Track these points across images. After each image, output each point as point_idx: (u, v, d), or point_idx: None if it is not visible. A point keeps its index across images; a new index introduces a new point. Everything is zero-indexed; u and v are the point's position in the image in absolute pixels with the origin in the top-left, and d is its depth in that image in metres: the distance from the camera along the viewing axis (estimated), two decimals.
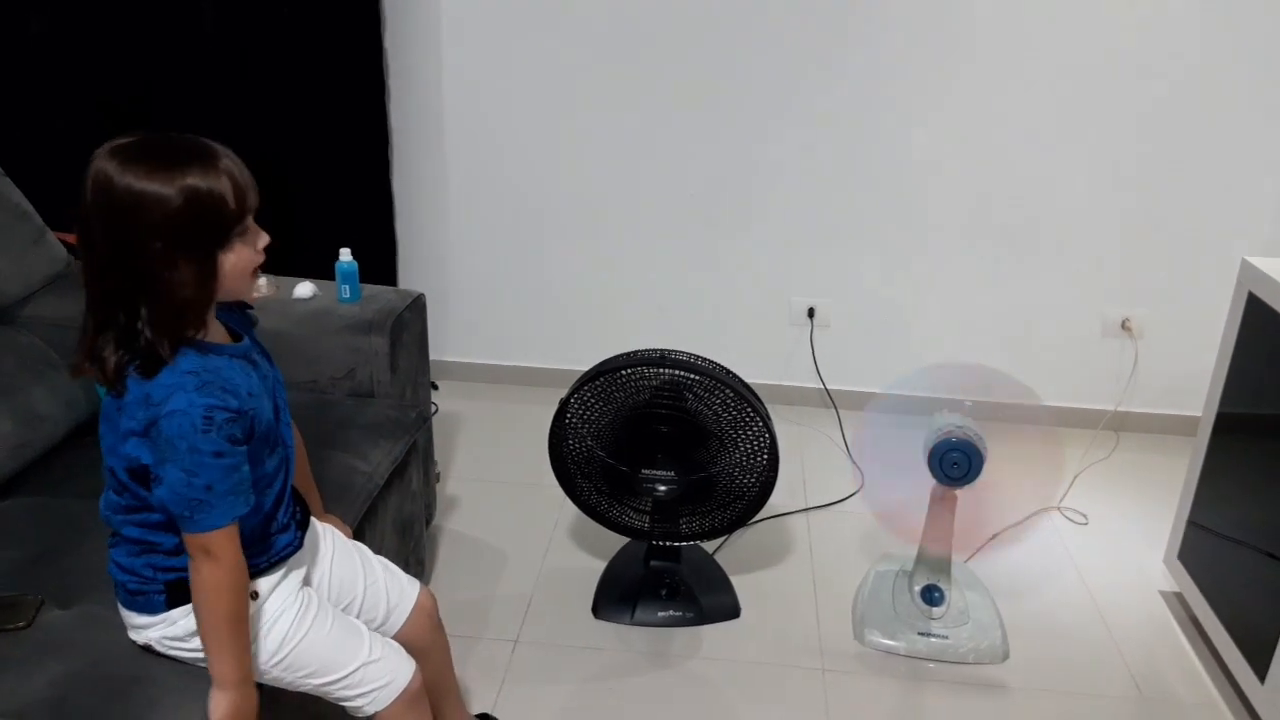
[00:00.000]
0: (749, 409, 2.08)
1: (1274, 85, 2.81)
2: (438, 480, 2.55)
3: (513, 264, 3.24)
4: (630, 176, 3.10)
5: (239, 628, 1.35)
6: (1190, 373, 2.97)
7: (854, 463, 3.01)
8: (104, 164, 1.21)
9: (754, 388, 2.19)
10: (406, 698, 1.52)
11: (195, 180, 1.21)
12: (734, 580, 2.41)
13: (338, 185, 3.03)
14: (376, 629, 1.61)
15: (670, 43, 2.93)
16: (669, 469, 2.15)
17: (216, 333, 1.35)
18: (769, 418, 2.12)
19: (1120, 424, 3.22)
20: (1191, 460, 2.30)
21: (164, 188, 1.20)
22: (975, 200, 3.02)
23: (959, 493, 2.13)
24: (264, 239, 1.33)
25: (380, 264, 3.10)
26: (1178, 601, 2.43)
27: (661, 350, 2.15)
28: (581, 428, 2.17)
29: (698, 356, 2.14)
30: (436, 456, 2.55)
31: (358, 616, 1.60)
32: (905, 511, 2.27)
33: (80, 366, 1.29)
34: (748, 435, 2.11)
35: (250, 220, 1.29)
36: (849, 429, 3.18)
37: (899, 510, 2.31)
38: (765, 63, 2.93)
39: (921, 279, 3.13)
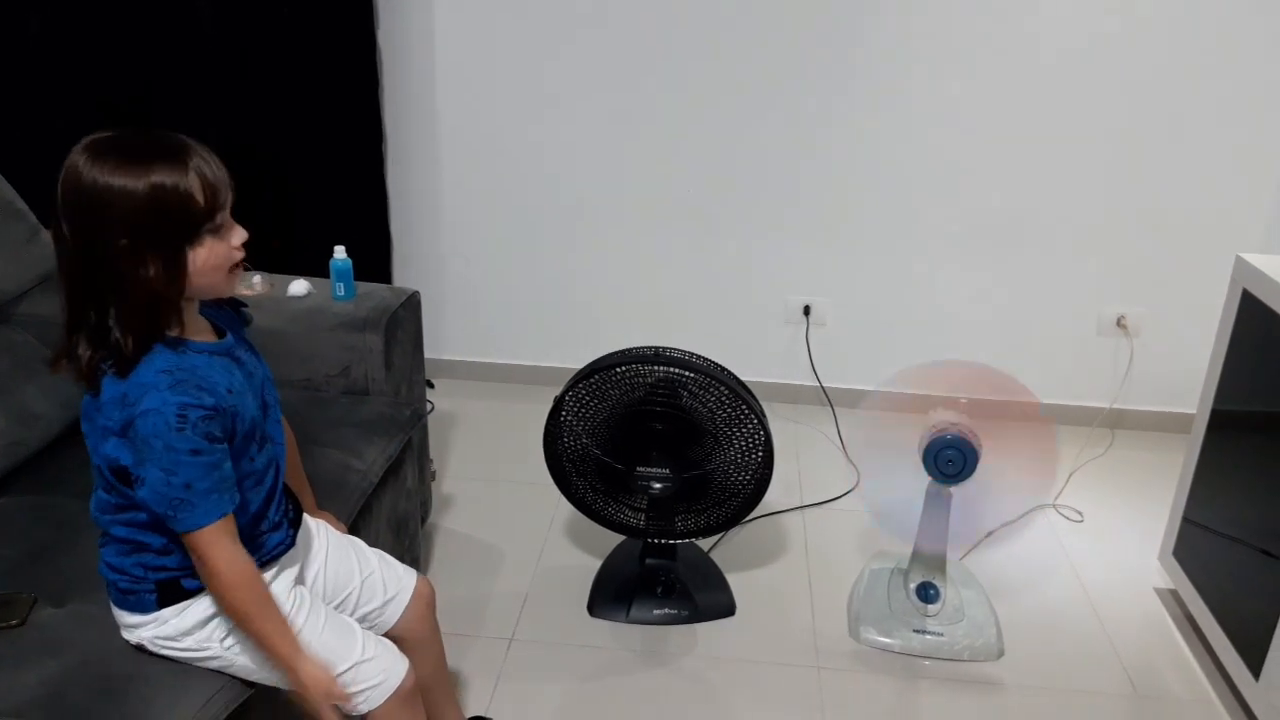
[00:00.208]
0: (744, 406, 2.08)
1: (1269, 83, 2.82)
2: (433, 478, 2.54)
3: (508, 261, 3.24)
4: (625, 174, 3.09)
5: (265, 612, 1.37)
6: (1186, 370, 2.97)
7: (849, 460, 3.01)
8: (76, 159, 1.21)
9: (749, 385, 2.19)
10: (400, 696, 1.52)
11: (162, 176, 1.20)
12: (729, 578, 2.42)
13: (332, 183, 3.03)
14: (375, 620, 1.61)
15: (665, 41, 2.93)
16: (664, 466, 2.15)
17: (199, 330, 1.35)
18: (764, 415, 2.12)
19: (1116, 421, 3.23)
20: (1186, 457, 2.30)
21: (130, 183, 1.19)
22: (971, 198, 3.03)
23: (954, 490, 2.13)
24: (240, 235, 1.31)
25: (375, 262, 3.10)
26: (1172, 598, 2.43)
27: (656, 347, 2.15)
28: (576, 425, 2.17)
29: (693, 354, 2.14)
30: (432, 454, 2.55)
31: (354, 610, 1.61)
32: (900, 509, 2.27)
33: (57, 364, 1.29)
34: (743, 433, 2.11)
35: (224, 217, 1.28)
36: (844, 426, 3.18)
37: (894, 508, 2.31)
38: (760, 61, 2.92)
39: (917, 277, 3.13)
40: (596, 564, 2.45)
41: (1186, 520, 2.30)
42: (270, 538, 1.44)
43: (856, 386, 3.24)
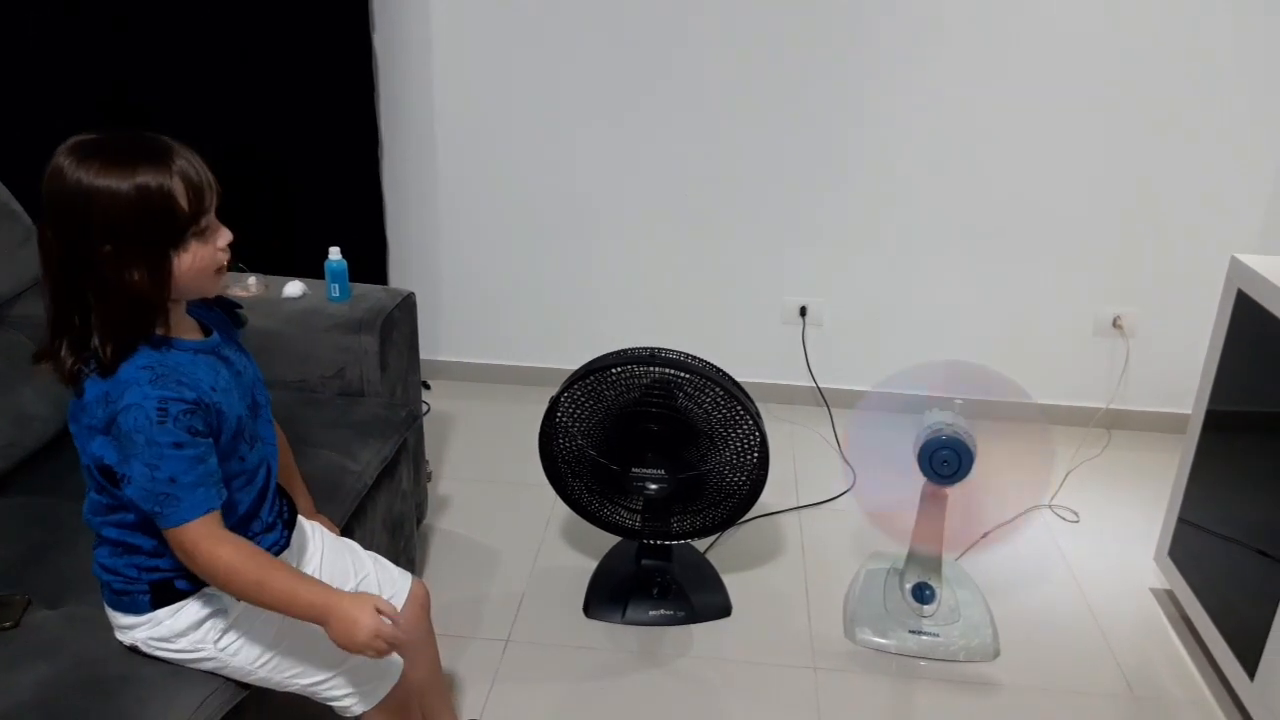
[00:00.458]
0: (739, 407, 2.08)
1: (1265, 84, 2.82)
2: (429, 479, 2.54)
3: (503, 262, 3.24)
4: (621, 175, 3.09)
5: (274, 575, 1.32)
6: (1181, 370, 2.97)
7: (845, 461, 3.01)
8: (60, 160, 1.21)
9: (745, 386, 2.19)
10: (396, 695, 1.52)
11: (146, 179, 1.20)
12: (725, 579, 2.41)
13: (328, 184, 3.03)
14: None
15: (661, 42, 2.93)
16: (659, 467, 2.15)
17: (185, 329, 1.35)
18: (759, 416, 2.12)
19: (1112, 422, 3.23)
20: (1182, 458, 2.30)
21: (114, 185, 1.19)
22: (967, 198, 3.03)
23: (950, 491, 2.14)
24: (226, 237, 1.31)
25: (370, 263, 3.10)
26: (1168, 599, 2.43)
27: (652, 348, 2.15)
28: (572, 426, 2.17)
29: (688, 355, 2.14)
30: (428, 456, 2.55)
31: None
32: (896, 510, 2.27)
33: (41, 360, 1.29)
34: (738, 434, 2.11)
35: (209, 219, 1.28)
36: (840, 427, 3.18)
37: (890, 508, 2.31)
38: (757, 62, 2.93)
39: (914, 277, 3.13)
40: (592, 565, 2.45)
41: (1182, 520, 2.30)
42: (264, 539, 1.44)
43: (853, 387, 3.24)
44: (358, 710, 1.50)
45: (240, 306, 1.51)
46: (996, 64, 2.87)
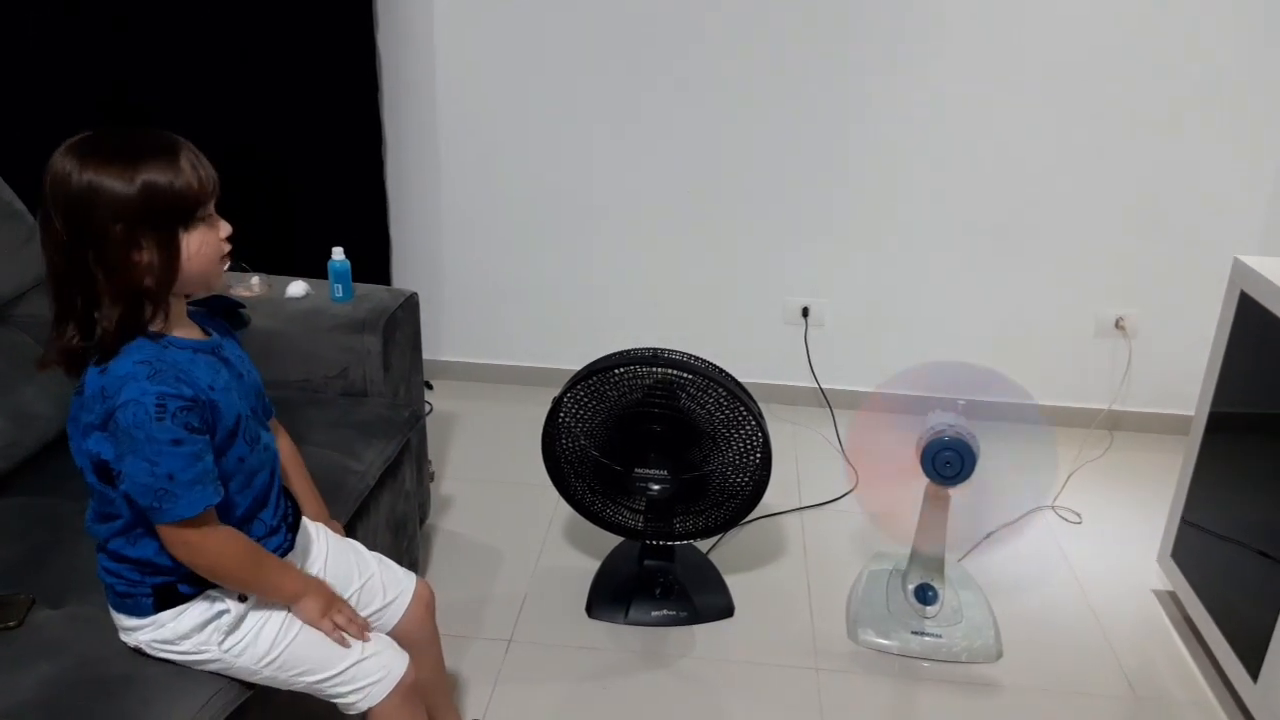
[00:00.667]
0: (742, 408, 2.08)
1: (1267, 84, 2.82)
2: (432, 479, 2.54)
3: (506, 263, 3.24)
4: (623, 176, 3.09)
5: (261, 569, 1.42)
6: (1184, 372, 2.97)
7: (848, 462, 3.01)
8: (62, 162, 1.22)
9: (748, 387, 2.18)
10: (401, 692, 1.52)
11: (154, 164, 1.23)
12: (728, 579, 2.41)
13: (331, 184, 3.03)
14: (374, 623, 1.61)
15: (663, 42, 2.93)
16: (662, 468, 2.15)
17: (185, 328, 1.36)
18: (762, 417, 2.12)
19: (1114, 423, 3.23)
20: (1185, 459, 2.30)
21: (123, 174, 1.21)
22: (970, 199, 3.03)
23: (952, 492, 2.13)
24: (226, 229, 1.34)
25: (373, 263, 3.10)
26: (1171, 600, 2.43)
27: (655, 349, 2.15)
28: (574, 427, 2.17)
29: (691, 355, 2.14)
30: (430, 456, 2.55)
31: None
32: (899, 511, 2.27)
33: (46, 360, 1.30)
34: (741, 434, 2.11)
35: (212, 207, 1.31)
36: (843, 428, 3.18)
37: (893, 509, 2.31)
38: (760, 61, 2.93)
39: (916, 278, 3.13)
40: (595, 565, 2.45)
41: (1185, 522, 2.30)
42: (269, 542, 1.44)
43: (855, 388, 3.24)
44: (363, 707, 1.50)
45: (243, 306, 1.52)
46: (1000, 64, 2.87)
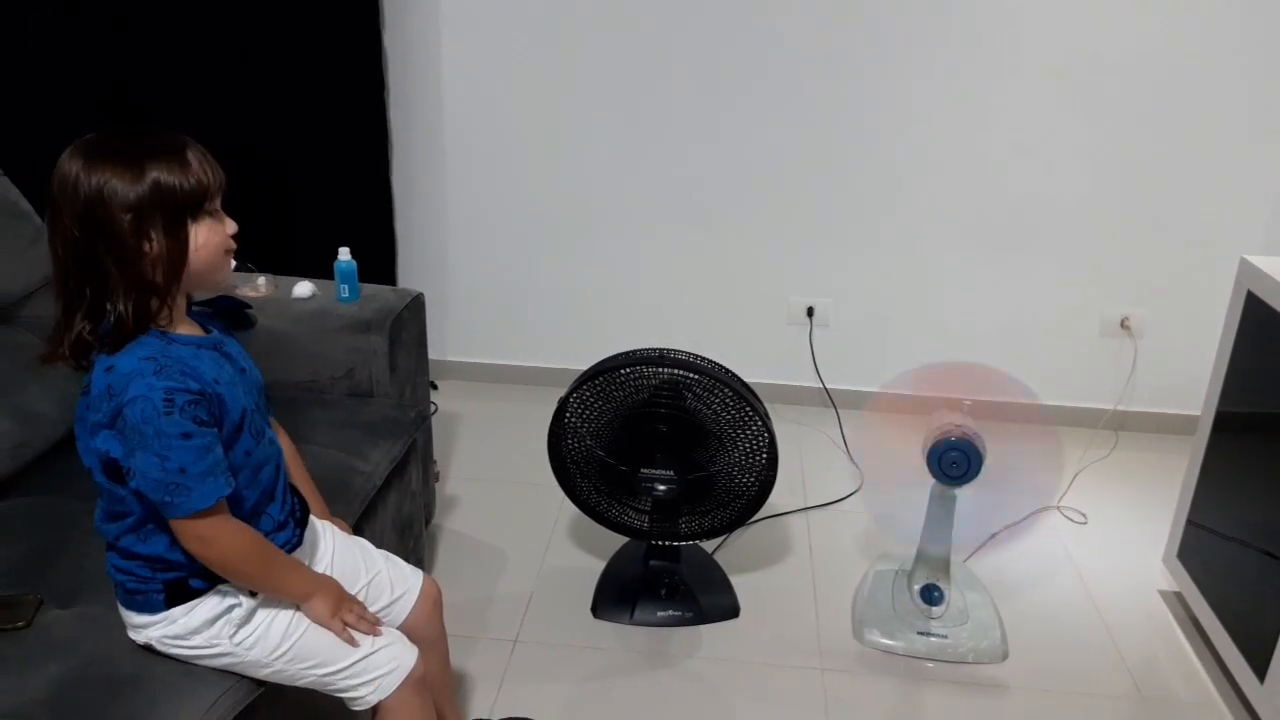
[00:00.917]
0: (748, 408, 2.08)
1: (1272, 83, 2.81)
2: (437, 480, 2.54)
3: (512, 263, 3.24)
4: (629, 176, 3.10)
5: (271, 564, 1.42)
6: (1189, 372, 2.97)
7: (853, 462, 3.01)
8: (70, 163, 1.24)
9: (753, 387, 2.19)
10: (410, 684, 1.52)
11: (162, 163, 1.25)
12: (733, 580, 2.41)
13: (337, 184, 3.03)
14: (382, 619, 1.61)
15: (668, 42, 2.93)
16: (668, 468, 2.15)
17: (186, 327, 1.37)
18: (768, 417, 2.12)
19: (1120, 423, 3.22)
20: (1191, 459, 2.30)
21: (132, 171, 1.23)
22: (975, 199, 3.02)
23: (958, 492, 2.13)
24: (232, 226, 1.35)
25: (379, 263, 3.10)
26: (1177, 601, 2.43)
27: (660, 349, 2.15)
28: (580, 427, 2.17)
29: (697, 355, 2.14)
30: (436, 456, 2.55)
31: None
32: (904, 511, 2.27)
33: (51, 354, 1.30)
34: (747, 434, 2.11)
35: (219, 203, 1.32)
36: (848, 428, 3.18)
37: (898, 510, 2.31)
38: (764, 61, 2.92)
39: (921, 278, 3.13)
40: (600, 565, 2.45)
41: (1191, 522, 2.30)
42: (276, 538, 1.45)
43: (860, 388, 3.24)
44: (373, 700, 1.50)
45: (250, 307, 1.52)
46: (1006, 63, 2.87)
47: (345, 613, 1.49)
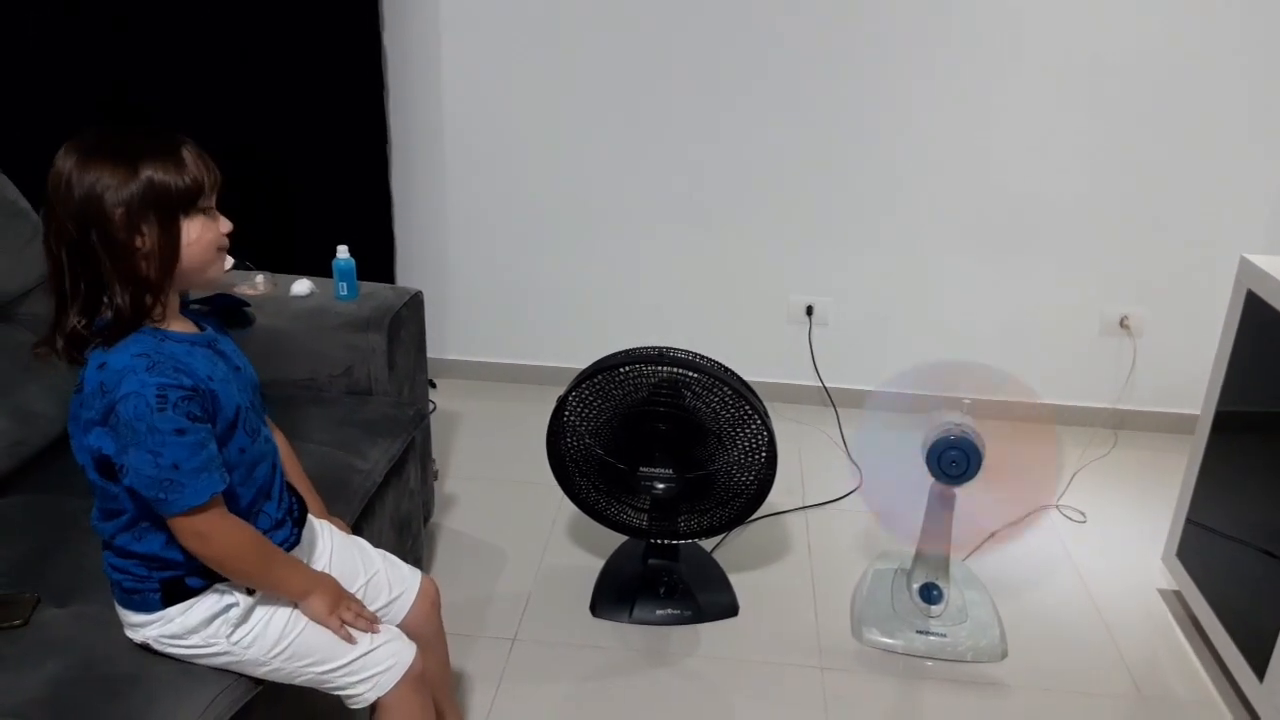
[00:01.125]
0: (747, 407, 2.08)
1: (1272, 83, 2.81)
2: (436, 478, 2.54)
3: (510, 261, 3.24)
4: (628, 174, 3.09)
5: (269, 562, 1.42)
6: (1189, 371, 2.96)
7: (852, 461, 3.01)
8: (63, 161, 1.25)
9: (752, 385, 2.18)
10: (409, 681, 1.52)
11: (155, 154, 1.26)
12: (732, 578, 2.41)
13: (336, 183, 3.03)
14: (381, 618, 1.61)
15: (668, 41, 2.93)
16: (667, 467, 2.15)
17: (180, 324, 1.37)
18: (767, 415, 2.11)
19: (1119, 422, 3.22)
20: (1190, 458, 2.30)
21: (126, 166, 1.24)
22: (974, 198, 3.02)
23: (957, 491, 2.13)
24: (226, 225, 1.35)
25: (378, 262, 3.10)
26: (1176, 600, 2.43)
27: (660, 347, 2.15)
28: (579, 425, 2.17)
29: (696, 354, 2.14)
30: (434, 454, 2.55)
31: None
32: (903, 510, 2.27)
33: (44, 346, 1.31)
34: (746, 433, 2.11)
35: (213, 201, 1.33)
36: (847, 427, 3.18)
37: (897, 508, 2.31)
38: (764, 61, 2.92)
39: (920, 277, 3.13)
40: (599, 564, 2.45)
41: (1190, 521, 2.30)
42: (274, 536, 1.45)
43: (859, 387, 3.24)
44: (371, 698, 1.50)
45: (248, 305, 1.52)
46: (1005, 62, 2.86)
47: (343, 610, 1.48)
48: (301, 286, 2.31)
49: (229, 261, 1.44)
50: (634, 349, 2.16)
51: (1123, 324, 3.12)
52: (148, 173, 1.24)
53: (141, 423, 1.24)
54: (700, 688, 2.12)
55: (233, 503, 1.37)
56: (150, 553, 1.36)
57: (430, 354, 2.54)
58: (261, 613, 1.43)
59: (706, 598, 2.33)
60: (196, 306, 1.45)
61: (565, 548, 2.55)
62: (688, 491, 2.19)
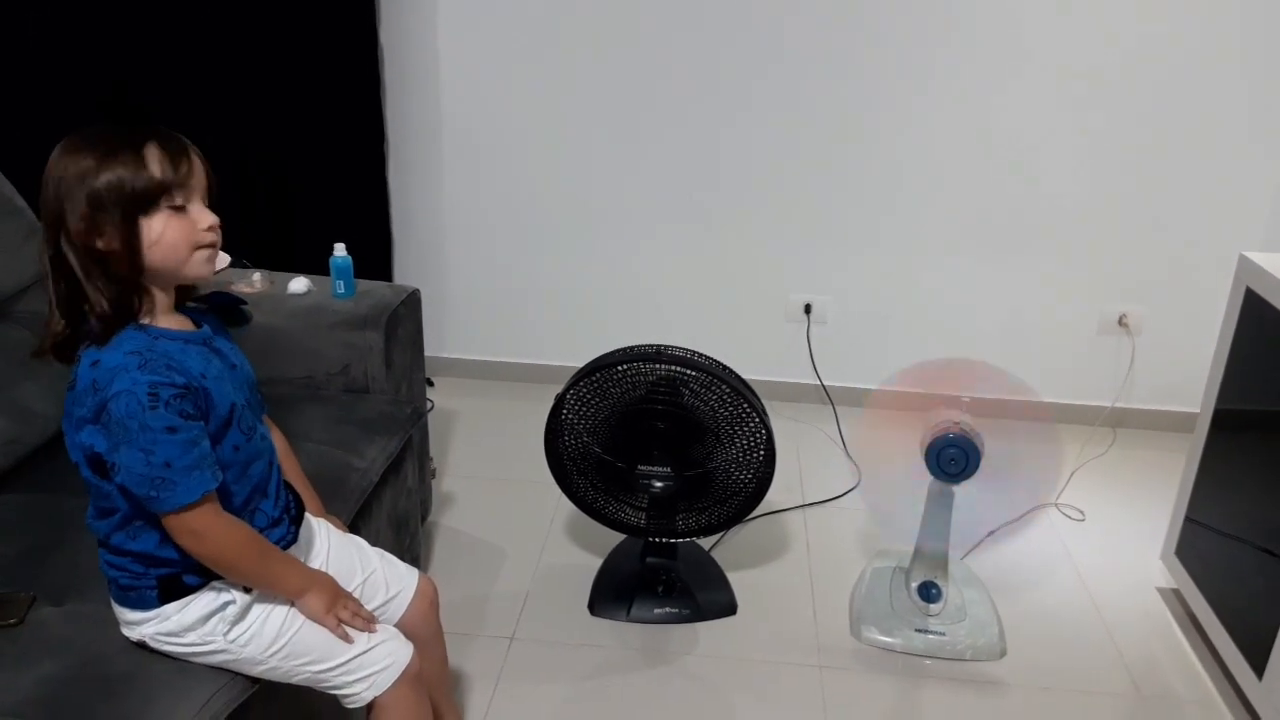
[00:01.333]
0: (745, 405, 2.08)
1: (1271, 80, 2.81)
2: (434, 476, 2.54)
3: (508, 259, 3.23)
4: (627, 173, 3.09)
5: (265, 560, 1.41)
6: (1188, 369, 2.96)
7: (851, 459, 3.01)
8: (53, 156, 1.26)
9: (751, 384, 2.18)
10: (406, 680, 1.52)
11: (117, 150, 1.25)
12: (731, 577, 2.41)
13: (333, 181, 3.03)
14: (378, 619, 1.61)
15: (666, 39, 2.92)
16: (665, 465, 2.15)
17: (174, 321, 1.36)
18: (766, 414, 2.11)
19: (1118, 420, 3.22)
20: (1189, 456, 2.30)
21: (88, 166, 1.24)
22: (972, 196, 3.02)
23: (956, 489, 2.13)
24: (208, 219, 1.32)
25: (375, 259, 3.10)
26: (1175, 598, 2.43)
27: (658, 345, 2.14)
28: (577, 424, 2.16)
29: (694, 352, 2.14)
30: (432, 453, 2.55)
31: None
32: (902, 508, 2.26)
33: (39, 348, 1.31)
34: (744, 431, 2.11)
35: (187, 196, 1.30)
36: (846, 425, 3.17)
37: (896, 507, 2.30)
38: (764, 61, 2.92)
39: (918, 275, 3.12)
40: (597, 563, 2.45)
41: (1189, 519, 2.29)
42: (270, 533, 1.44)
43: (858, 385, 3.24)
44: (368, 697, 1.50)
45: (245, 303, 1.51)
46: (1005, 64, 2.86)
47: (340, 609, 1.48)
48: (299, 284, 2.31)
49: (223, 259, 1.43)
50: (632, 347, 2.15)
51: (1121, 322, 3.12)
52: (104, 174, 1.24)
53: (133, 420, 1.24)
54: (699, 687, 2.11)
55: (227, 500, 1.37)
56: (145, 551, 1.36)
57: (428, 352, 2.53)
58: (258, 611, 1.43)
59: (705, 596, 2.32)
60: (194, 304, 1.44)
61: (563, 546, 2.55)
62: (686, 490, 2.18)
